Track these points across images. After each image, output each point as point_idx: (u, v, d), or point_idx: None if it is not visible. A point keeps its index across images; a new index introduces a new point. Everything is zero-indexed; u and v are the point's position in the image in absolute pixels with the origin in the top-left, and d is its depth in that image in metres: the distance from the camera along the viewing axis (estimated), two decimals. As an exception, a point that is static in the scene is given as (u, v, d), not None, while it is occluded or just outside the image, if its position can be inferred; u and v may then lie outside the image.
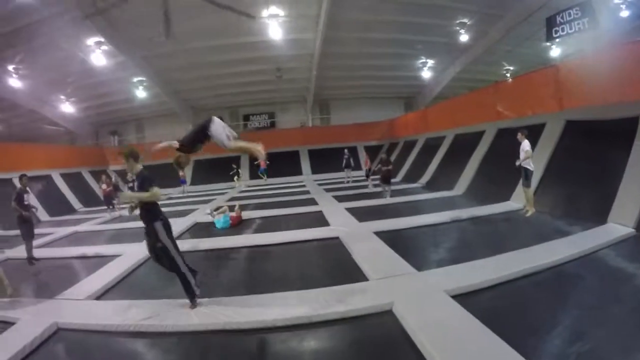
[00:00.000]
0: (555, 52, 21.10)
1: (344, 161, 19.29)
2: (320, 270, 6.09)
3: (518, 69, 22.81)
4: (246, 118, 29.20)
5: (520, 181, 8.76)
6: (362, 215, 8.76)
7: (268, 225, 9.85)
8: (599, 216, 6.95)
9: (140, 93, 22.75)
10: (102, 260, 7.48)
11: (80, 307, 5.00)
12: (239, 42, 18.55)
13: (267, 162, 19.14)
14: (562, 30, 15.15)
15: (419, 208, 10.55)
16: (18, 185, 8.36)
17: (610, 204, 6.92)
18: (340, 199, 12.72)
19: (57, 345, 4.20)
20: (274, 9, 15.69)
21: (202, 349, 3.94)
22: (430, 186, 15.05)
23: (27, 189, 8.42)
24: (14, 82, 19.21)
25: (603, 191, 7.27)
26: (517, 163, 8.44)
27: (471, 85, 22.68)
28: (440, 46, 20.44)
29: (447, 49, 20.36)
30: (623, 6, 15.14)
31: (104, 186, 15.28)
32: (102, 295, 5.58)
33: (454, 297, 4.21)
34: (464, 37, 18.87)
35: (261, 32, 17.00)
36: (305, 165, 25.33)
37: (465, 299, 4.20)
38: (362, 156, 22.44)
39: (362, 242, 6.82)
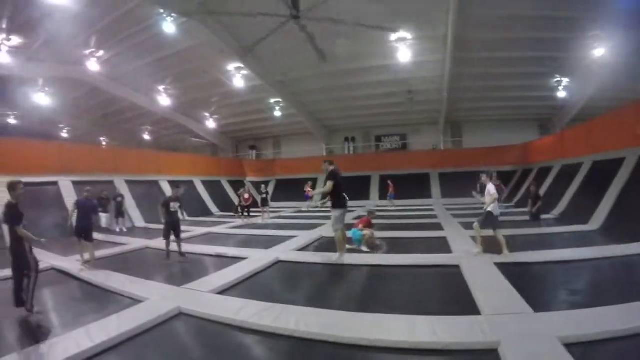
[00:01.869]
0: None
1: (479, 186, 18.45)
2: (434, 297, 5.96)
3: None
4: (378, 139, 29.66)
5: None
6: (485, 244, 8.58)
7: (390, 246, 9.84)
8: None
9: (277, 113, 24.36)
10: (229, 260, 8.54)
11: (202, 298, 5.76)
12: (369, 65, 19.00)
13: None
14: None
15: (548, 242, 9.73)
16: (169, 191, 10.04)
17: None
18: (467, 226, 11.86)
19: (177, 327, 4.98)
20: (401, 33, 15.85)
21: (301, 355, 4.17)
22: (563, 218, 13.76)
23: (178, 197, 9.76)
24: (164, 100, 22.47)
25: None
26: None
27: (614, 105, 20.20)
28: (575, 62, 18.44)
29: (583, 64, 18.42)
30: None
31: (246, 195, 16.74)
32: (224, 291, 6.30)
33: (568, 345, 3.79)
34: (598, 52, 16.76)
35: (390, 55, 17.27)
36: (435, 188, 24.71)
37: (581, 348, 3.79)
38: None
39: (482, 273, 6.56)
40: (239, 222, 16.45)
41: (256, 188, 24.03)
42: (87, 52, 17.43)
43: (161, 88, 21.73)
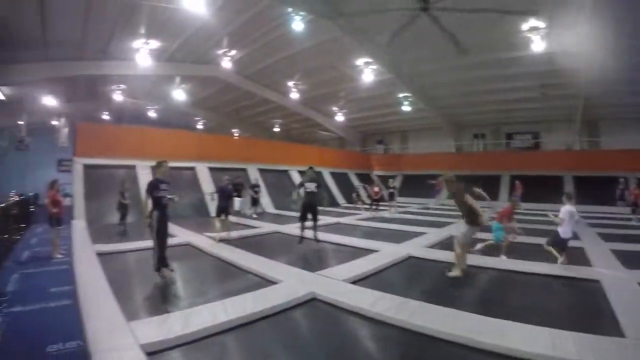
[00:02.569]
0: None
1: (618, 192, 16.39)
2: (567, 311, 5.31)
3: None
4: (509, 137, 27.53)
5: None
6: (631, 260, 7.36)
7: (521, 251, 8.76)
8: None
9: (405, 107, 23.90)
10: (360, 251, 8.46)
11: (336, 286, 5.71)
12: (501, 57, 17.61)
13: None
14: None
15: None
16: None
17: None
18: (606, 237, 10.65)
19: (310, 311, 5.01)
20: (535, 21, 14.38)
21: (436, 356, 3.97)
22: None
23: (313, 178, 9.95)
24: (293, 95, 23.04)
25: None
26: None
27: None
28: None
29: None
30: None
31: (375, 188, 16.95)
32: (357, 281, 6.21)
33: None
34: None
35: (524, 46, 15.69)
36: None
37: None
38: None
39: (627, 292, 5.71)
40: (366, 214, 16.60)
41: (383, 182, 23.70)
42: (220, 52, 18.29)
43: (291, 83, 22.28)
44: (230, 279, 6.55)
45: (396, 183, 20.95)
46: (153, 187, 6.25)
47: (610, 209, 17.48)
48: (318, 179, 10.05)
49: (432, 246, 9.39)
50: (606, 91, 19.37)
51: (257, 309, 4.66)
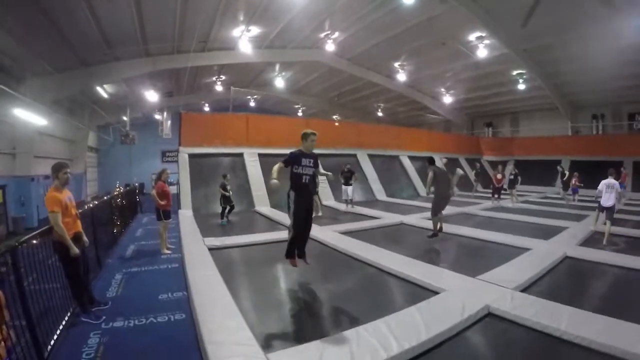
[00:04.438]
0: None
1: None
2: None
3: None
4: (631, 117, 24.13)
5: None
6: None
7: None
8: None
9: (520, 86, 22.15)
10: (507, 249, 7.56)
11: (509, 296, 4.67)
12: (621, 25, 14.69)
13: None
14: None
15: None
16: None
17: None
18: None
19: (489, 331, 4.04)
20: None
21: None
22: None
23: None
24: (400, 77, 22.14)
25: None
26: None
27: None
28: None
29: None
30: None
31: (498, 176, 15.69)
32: (526, 288, 5.23)
33: None
34: None
35: None
36: None
37: None
38: None
39: None
40: (488, 203, 15.40)
41: (492, 168, 22.05)
42: (322, 35, 17.65)
43: (396, 64, 21.33)
44: (374, 285, 5.70)
45: (507, 169, 19.07)
46: (294, 159, 5.28)
47: None
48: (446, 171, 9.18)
49: (585, 244, 8.18)
50: None
51: (432, 333, 3.72)
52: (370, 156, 19.15)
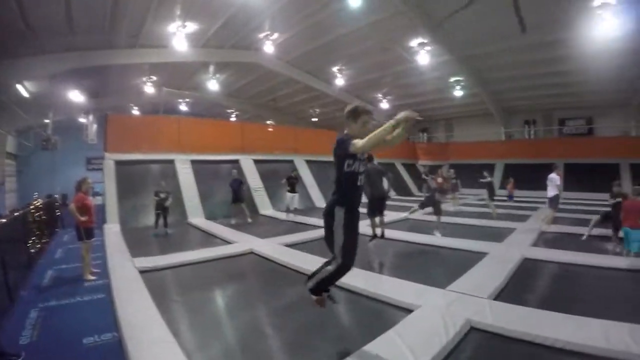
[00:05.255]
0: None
1: None
2: None
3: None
4: (561, 122, 25.76)
5: None
6: None
7: None
8: None
9: (457, 92, 22.40)
10: (464, 254, 7.45)
11: (488, 307, 4.36)
12: (560, 37, 15.91)
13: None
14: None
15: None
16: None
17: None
18: None
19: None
20: None
21: None
22: None
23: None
24: (338, 82, 21.64)
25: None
26: None
27: None
28: None
29: None
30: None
31: (439, 179, 15.20)
32: (498, 296, 5.01)
33: None
34: None
35: (587, 25, 13.96)
36: (626, 181, 19.51)
37: None
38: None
39: None
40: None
41: (431, 172, 22.04)
42: (262, 35, 16.66)
43: (335, 69, 20.92)
44: (338, 307, 4.78)
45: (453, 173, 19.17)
46: (348, 148, 3.40)
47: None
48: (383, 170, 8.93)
49: (537, 244, 8.46)
50: None
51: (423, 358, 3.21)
52: (308, 162, 18.59)
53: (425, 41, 16.96)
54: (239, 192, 12.83)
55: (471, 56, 18.80)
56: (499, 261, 6.53)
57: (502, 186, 20.30)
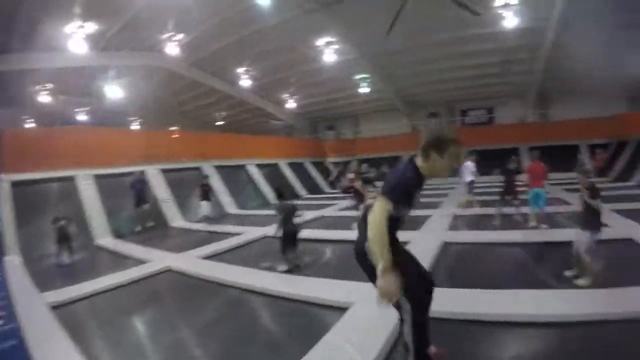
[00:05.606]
0: None
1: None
2: None
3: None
4: (463, 113, 27.77)
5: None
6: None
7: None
8: None
9: (363, 89, 22.84)
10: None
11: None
12: (463, 34, 17.21)
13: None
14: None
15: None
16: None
17: None
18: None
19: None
20: None
21: None
22: None
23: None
24: (244, 83, 21.36)
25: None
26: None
27: None
28: None
29: None
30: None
31: (350, 176, 15.25)
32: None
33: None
34: None
35: (490, 23, 15.36)
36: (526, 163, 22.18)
37: None
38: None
39: None
40: (344, 203, 14.51)
41: (342, 169, 22.62)
42: (165, 36, 16.11)
43: (241, 70, 20.56)
44: (271, 317, 4.83)
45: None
46: (412, 191, 2.71)
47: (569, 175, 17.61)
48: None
49: (454, 227, 9.13)
50: (559, 67, 20.18)
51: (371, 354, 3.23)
52: (217, 167, 17.92)
53: (334, 39, 17.21)
54: (142, 193, 12.29)
55: (377, 54, 19.31)
56: (421, 248, 6.43)
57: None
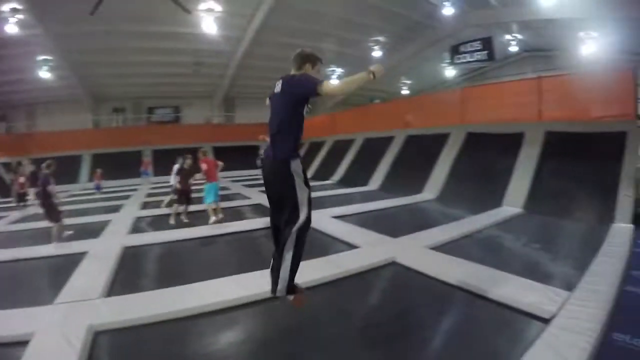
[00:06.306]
0: (449, 73, 26.08)
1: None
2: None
3: (414, 84, 28.80)
4: (150, 111, 27.87)
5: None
6: None
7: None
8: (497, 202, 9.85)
9: (44, 74, 19.90)
10: (62, 260, 6.61)
11: (101, 306, 4.44)
12: (163, 30, 17.93)
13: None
14: (464, 57, 18.02)
15: (347, 199, 12.49)
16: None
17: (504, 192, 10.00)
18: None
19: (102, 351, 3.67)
20: (211, 3, 15.77)
21: None
22: (343, 183, 16.59)
23: None
24: None
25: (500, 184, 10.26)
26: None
27: (370, 94, 27.93)
28: (352, 59, 21.97)
29: (358, 61, 20.35)
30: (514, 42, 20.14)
31: (21, 179, 13.64)
32: (110, 292, 5.12)
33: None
34: (376, 53, 22.03)
35: (190, 24, 16.71)
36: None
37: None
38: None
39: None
40: (15, 214, 12.54)
41: (11, 170, 18.31)
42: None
43: None
44: None
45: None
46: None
47: (249, 172, 21.41)
48: None
49: (134, 231, 9.01)
50: (247, 75, 23.80)
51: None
52: None
53: (21, 7, 15.00)
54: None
55: (65, 34, 17.66)
56: (100, 257, 6.40)
57: (91, 178, 19.92)
